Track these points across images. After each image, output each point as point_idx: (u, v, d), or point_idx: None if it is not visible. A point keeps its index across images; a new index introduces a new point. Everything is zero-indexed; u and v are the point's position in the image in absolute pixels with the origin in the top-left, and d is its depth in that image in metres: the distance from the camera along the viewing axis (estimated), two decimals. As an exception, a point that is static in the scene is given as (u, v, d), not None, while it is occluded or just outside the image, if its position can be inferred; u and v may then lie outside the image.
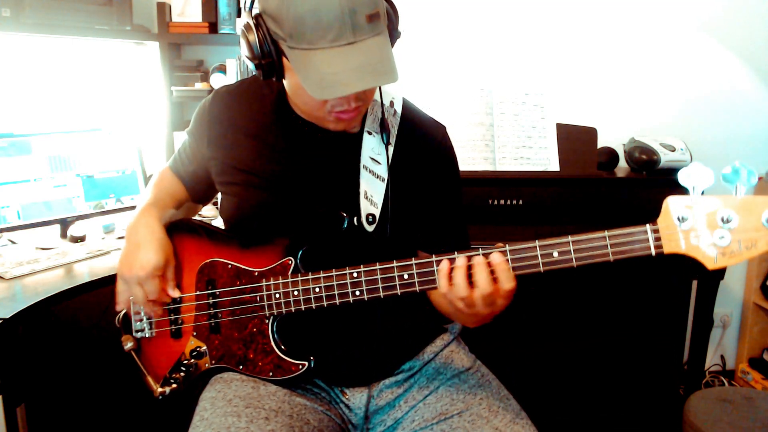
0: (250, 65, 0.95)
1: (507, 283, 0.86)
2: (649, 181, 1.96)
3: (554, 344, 2.03)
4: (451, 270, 0.88)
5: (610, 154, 2.11)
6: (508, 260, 0.86)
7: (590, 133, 2.02)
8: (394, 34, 0.97)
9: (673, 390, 2.12)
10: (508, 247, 0.87)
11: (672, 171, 2.01)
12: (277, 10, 0.87)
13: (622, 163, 2.12)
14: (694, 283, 2.06)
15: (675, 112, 2.36)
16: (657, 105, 2.36)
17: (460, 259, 0.88)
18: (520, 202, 1.92)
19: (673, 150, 2.00)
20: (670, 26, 2.31)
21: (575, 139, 2.00)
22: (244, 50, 0.94)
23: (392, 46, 0.97)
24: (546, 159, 1.98)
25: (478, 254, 0.87)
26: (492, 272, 0.86)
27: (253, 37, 0.91)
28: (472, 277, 0.87)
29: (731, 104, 2.36)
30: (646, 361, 2.06)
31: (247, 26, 0.92)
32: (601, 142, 2.06)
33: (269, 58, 0.92)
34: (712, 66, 2.33)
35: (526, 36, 2.32)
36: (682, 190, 0.81)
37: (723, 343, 2.55)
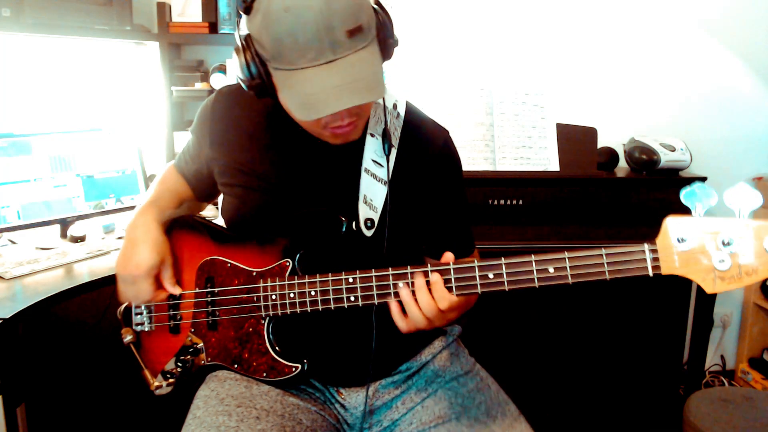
0: (243, 86, 0.95)
1: (441, 302, 0.88)
2: (649, 181, 1.96)
3: (554, 345, 2.03)
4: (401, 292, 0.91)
5: (610, 154, 2.11)
6: (501, 273, 0.87)
7: (590, 133, 2.02)
8: (388, 43, 0.94)
9: (673, 390, 2.12)
10: (503, 261, 0.86)
11: (672, 171, 2.01)
12: (258, 33, 0.87)
13: (622, 163, 2.12)
14: (694, 283, 2.06)
15: (675, 112, 2.36)
16: (657, 105, 2.36)
17: (404, 286, 0.90)
18: (520, 202, 1.92)
19: (673, 150, 2.00)
20: (670, 26, 2.30)
21: (575, 139, 2.00)
22: (236, 71, 0.94)
23: (389, 55, 0.96)
24: (546, 159, 1.98)
25: (424, 270, 0.90)
26: (430, 291, 0.88)
27: (242, 59, 0.90)
28: (415, 295, 0.90)
29: (731, 104, 2.36)
30: (646, 361, 2.06)
31: (236, 48, 0.92)
32: (601, 142, 2.06)
33: (259, 80, 0.91)
34: (712, 66, 2.33)
35: (526, 36, 2.32)
36: (682, 190, 0.80)
37: (723, 343, 2.55)
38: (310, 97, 0.86)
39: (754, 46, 2.31)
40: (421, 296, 0.89)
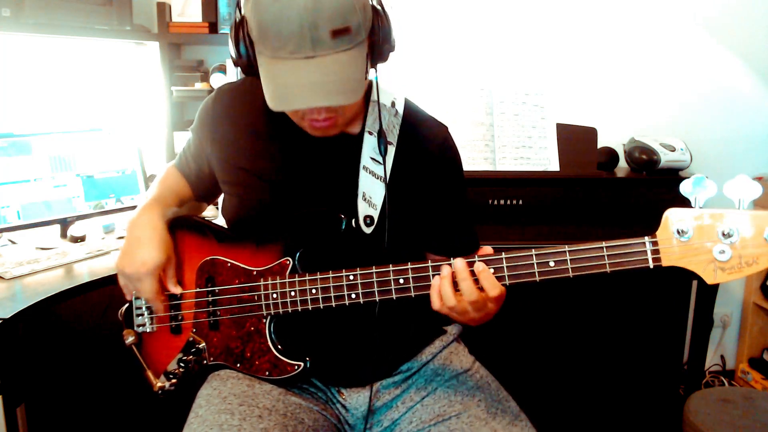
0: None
1: (492, 290, 0.87)
2: (649, 181, 1.96)
3: (554, 344, 2.03)
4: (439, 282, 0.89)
5: (610, 154, 2.11)
6: (502, 267, 0.87)
7: (590, 133, 2.02)
8: (383, 48, 0.94)
9: (673, 390, 2.12)
10: (504, 255, 0.87)
11: (672, 171, 2.01)
12: (249, 14, 0.89)
13: (622, 163, 2.12)
14: (694, 283, 2.06)
15: (675, 112, 2.36)
16: (657, 105, 2.36)
17: (445, 269, 0.89)
18: (520, 202, 1.92)
19: (673, 150, 2.00)
20: (669, 26, 2.30)
21: (575, 139, 2.00)
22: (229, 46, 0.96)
23: (383, 59, 0.96)
24: (546, 159, 1.98)
25: (470, 260, 0.89)
26: (476, 281, 0.87)
27: (233, 36, 0.93)
28: (458, 286, 0.88)
29: (731, 104, 2.36)
30: (646, 361, 2.06)
31: (232, 25, 0.94)
32: (601, 142, 2.06)
33: (246, 60, 0.93)
34: (712, 65, 2.33)
35: (526, 36, 2.32)
36: (682, 182, 0.80)
37: (723, 343, 2.54)
38: (282, 89, 0.87)
39: (754, 46, 2.31)
40: (465, 285, 0.88)
